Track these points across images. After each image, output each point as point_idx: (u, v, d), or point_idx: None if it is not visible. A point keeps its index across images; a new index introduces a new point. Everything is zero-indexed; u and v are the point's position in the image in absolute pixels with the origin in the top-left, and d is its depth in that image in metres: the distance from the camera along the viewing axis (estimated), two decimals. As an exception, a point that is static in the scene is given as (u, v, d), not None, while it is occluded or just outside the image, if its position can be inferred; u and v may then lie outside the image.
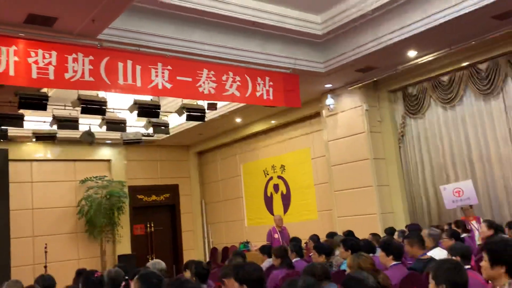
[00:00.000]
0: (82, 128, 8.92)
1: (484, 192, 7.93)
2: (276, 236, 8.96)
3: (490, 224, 5.87)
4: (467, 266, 3.68)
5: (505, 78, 7.68)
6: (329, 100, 9.52)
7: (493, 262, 2.71)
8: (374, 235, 6.91)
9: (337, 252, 5.73)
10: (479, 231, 6.62)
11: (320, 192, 10.46)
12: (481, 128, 8.06)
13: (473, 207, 7.65)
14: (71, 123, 8.29)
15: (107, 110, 7.54)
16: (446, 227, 7.02)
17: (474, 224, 7.17)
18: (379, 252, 4.69)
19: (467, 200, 7.54)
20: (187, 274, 4.37)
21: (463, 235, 6.50)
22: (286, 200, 11.52)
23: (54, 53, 5.60)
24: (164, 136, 11.27)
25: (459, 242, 4.83)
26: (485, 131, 7.99)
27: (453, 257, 3.83)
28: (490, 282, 2.91)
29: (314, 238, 7.38)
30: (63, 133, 9.40)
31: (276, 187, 11.88)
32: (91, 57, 5.86)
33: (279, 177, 11.78)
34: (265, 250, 6.64)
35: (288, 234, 9.01)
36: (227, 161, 13.50)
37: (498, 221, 6.95)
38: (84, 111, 7.07)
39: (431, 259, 4.29)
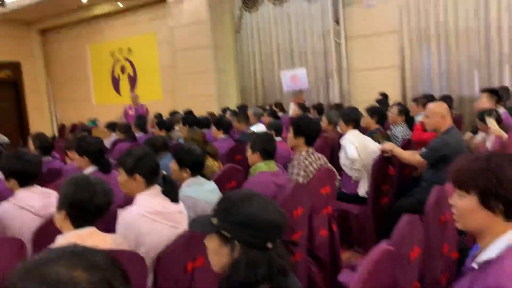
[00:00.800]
0: None
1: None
2: (130, 113, 8.58)
3: (300, 106, 6.48)
4: (278, 138, 4.08)
5: (325, -17, 8.03)
6: (175, -12, 8.96)
7: (296, 134, 3.04)
8: (210, 113, 7.15)
9: (177, 128, 5.83)
10: None
11: (165, 75, 10.24)
12: (301, 25, 8.48)
13: (302, 91, 8.18)
14: None
15: None
16: (268, 107, 7.55)
17: None
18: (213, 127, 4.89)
19: (300, 85, 7.91)
20: (31, 147, 4.03)
21: (280, 114, 7.10)
22: (133, 81, 11.06)
23: None
24: (1, 9, 9.53)
25: (276, 120, 5.28)
26: (305, 28, 8.44)
27: (270, 131, 4.17)
28: (293, 149, 3.27)
29: (157, 116, 7.34)
30: None
31: (123, 69, 11.24)
32: None
33: (126, 59, 11.11)
34: (111, 126, 6.43)
35: (146, 111, 8.65)
36: (73, 41, 12.13)
37: (309, 104, 7.70)
38: None
39: (253, 133, 4.64)
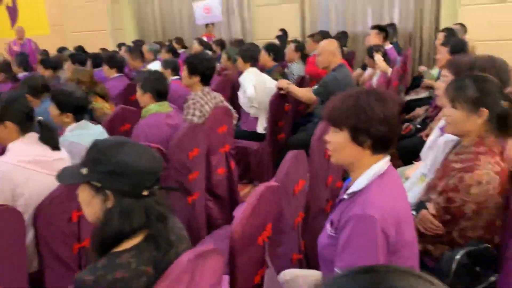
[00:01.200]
0: None
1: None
2: (15, 48, 7.59)
3: (200, 42, 6.26)
4: (175, 77, 3.94)
5: None
6: None
7: (190, 72, 2.95)
8: (104, 50, 6.64)
9: (66, 67, 5.34)
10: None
11: (51, 6, 9.18)
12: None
13: (214, 25, 7.66)
14: None
15: None
16: (167, 43, 7.18)
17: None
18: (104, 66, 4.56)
19: (213, 17, 7.41)
20: None
21: (181, 50, 6.81)
22: (13, 12, 9.77)
23: None
24: None
25: (173, 57, 5.05)
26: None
27: (166, 69, 3.99)
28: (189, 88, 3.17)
29: (42, 52, 6.65)
30: None
31: (-1, -2, 9.86)
32: None
33: (2, -14, 9.73)
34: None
35: (35, 47, 7.67)
36: None
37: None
38: None
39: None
